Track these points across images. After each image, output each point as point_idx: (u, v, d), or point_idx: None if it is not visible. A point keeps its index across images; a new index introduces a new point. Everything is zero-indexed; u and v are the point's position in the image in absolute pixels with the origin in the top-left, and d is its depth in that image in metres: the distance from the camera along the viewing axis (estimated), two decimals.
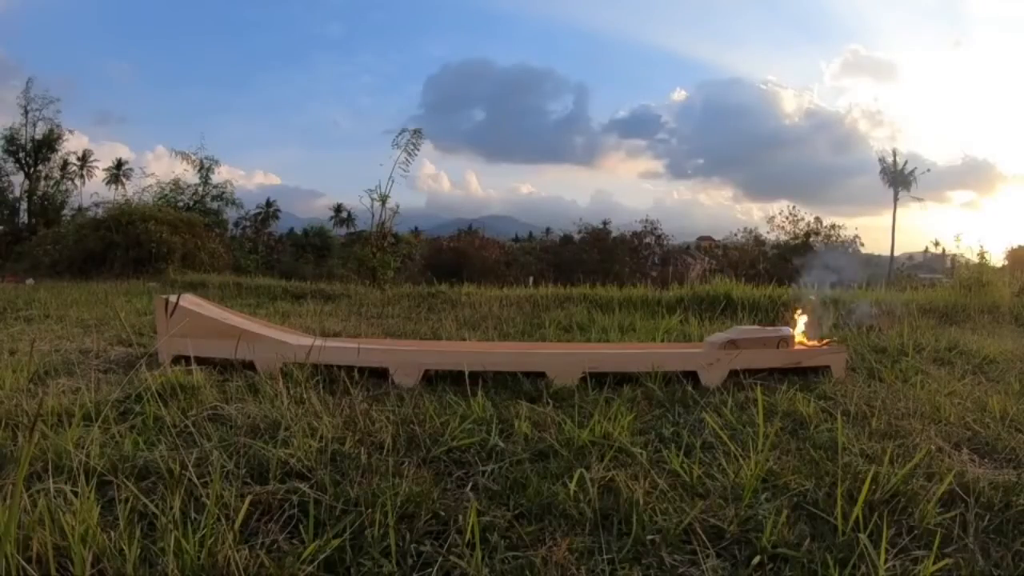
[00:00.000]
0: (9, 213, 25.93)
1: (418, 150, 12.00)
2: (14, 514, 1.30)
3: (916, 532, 1.55)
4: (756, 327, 3.94)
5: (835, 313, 4.00)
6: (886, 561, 1.38)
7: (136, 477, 1.75)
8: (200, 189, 24.16)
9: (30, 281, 11.97)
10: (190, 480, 1.67)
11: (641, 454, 2.02)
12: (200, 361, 3.19)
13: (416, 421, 2.32)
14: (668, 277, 15.30)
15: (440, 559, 1.39)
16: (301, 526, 1.50)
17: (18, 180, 26.08)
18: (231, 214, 25.73)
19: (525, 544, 1.47)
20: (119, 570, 1.29)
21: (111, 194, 29.96)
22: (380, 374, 3.18)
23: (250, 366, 3.17)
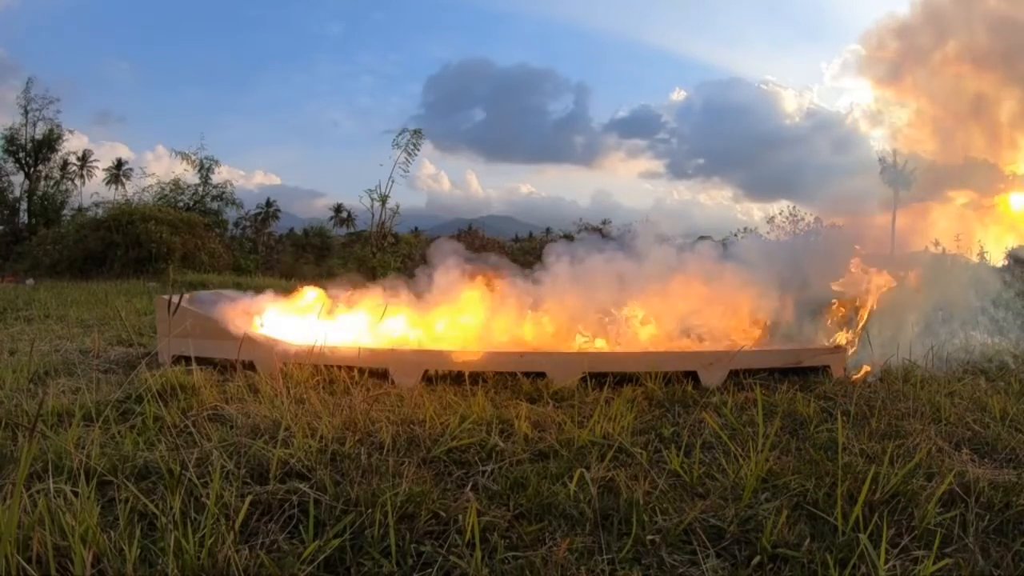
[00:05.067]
0: (9, 213, 25.86)
1: (418, 150, 12.06)
2: (14, 514, 1.30)
3: (916, 532, 1.55)
4: (214, 292, 3.93)
5: None
6: (886, 561, 1.38)
7: (136, 477, 1.75)
8: (200, 189, 24.16)
9: (30, 281, 11.97)
10: (190, 480, 1.67)
11: (641, 454, 2.02)
12: (200, 361, 3.19)
13: (416, 421, 2.32)
14: None
15: (440, 559, 1.39)
16: (301, 526, 1.50)
17: (18, 180, 26.01)
18: (231, 214, 25.73)
19: (525, 544, 1.47)
20: (119, 570, 1.29)
21: (111, 194, 29.88)
22: (380, 374, 3.18)
23: (250, 366, 3.17)
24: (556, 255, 4.11)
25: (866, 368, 3.43)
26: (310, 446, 1.96)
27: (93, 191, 30.02)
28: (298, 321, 3.68)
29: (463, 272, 3.89)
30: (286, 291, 4.07)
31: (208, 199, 24.18)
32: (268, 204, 36.22)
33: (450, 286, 3.83)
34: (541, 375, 3.11)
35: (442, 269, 3.91)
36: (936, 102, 4.27)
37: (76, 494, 1.50)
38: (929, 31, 4.14)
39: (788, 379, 3.23)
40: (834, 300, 3.84)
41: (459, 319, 3.76)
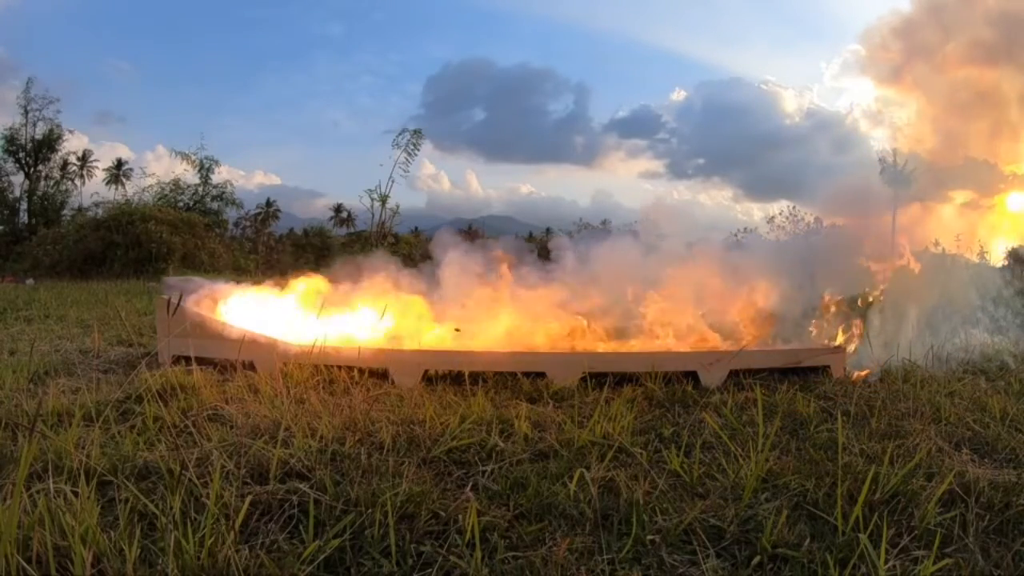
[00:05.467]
0: (9, 213, 25.89)
1: (418, 150, 12.13)
2: (14, 514, 1.30)
3: (916, 532, 1.55)
4: (184, 278, 3.95)
5: None
6: (886, 561, 1.38)
7: (136, 477, 1.75)
8: (200, 189, 24.24)
9: (30, 281, 11.98)
10: (190, 480, 1.67)
11: (641, 454, 2.02)
12: (200, 361, 3.19)
13: (416, 421, 2.32)
14: None
15: (440, 559, 1.39)
16: (301, 526, 1.50)
17: (18, 180, 26.05)
18: (231, 214, 25.82)
19: (525, 544, 1.47)
20: (119, 570, 1.29)
21: (111, 194, 29.91)
22: (380, 374, 3.18)
23: (250, 366, 3.17)
24: (569, 250, 4.11)
25: (867, 370, 3.44)
26: (310, 446, 1.96)
27: (93, 191, 30.04)
28: (267, 310, 3.65)
29: (482, 265, 3.87)
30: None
31: (208, 199, 24.25)
32: (268, 204, 36.30)
33: (468, 283, 3.81)
34: (541, 375, 3.11)
35: (459, 261, 3.88)
36: (937, 100, 4.27)
37: (76, 494, 1.50)
38: (930, 28, 4.14)
39: (788, 379, 3.23)
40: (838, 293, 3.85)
41: (491, 319, 3.74)
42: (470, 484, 1.80)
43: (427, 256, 4.15)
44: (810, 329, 3.85)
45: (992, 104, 4.04)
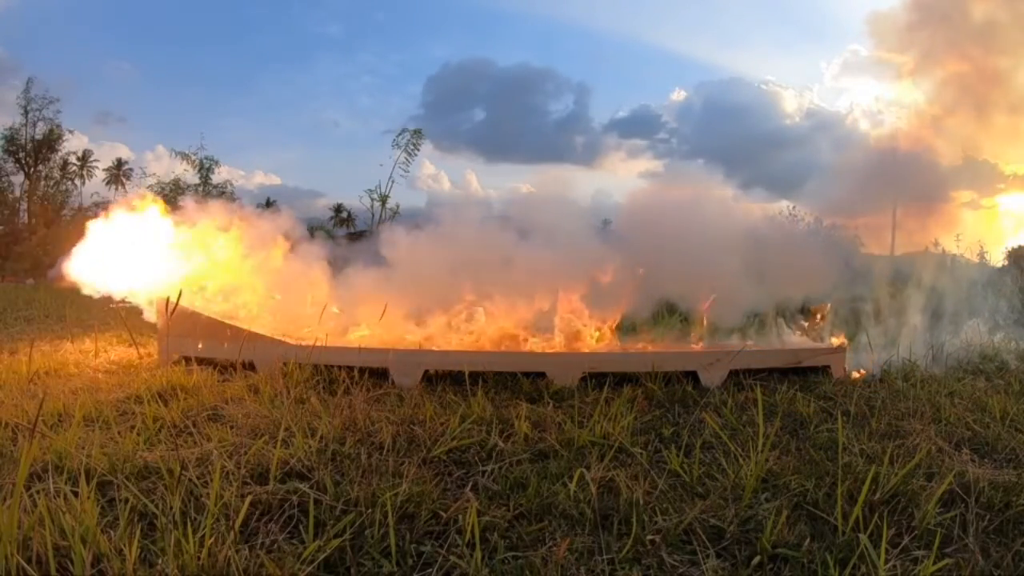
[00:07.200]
0: (9, 213, 25.91)
1: (418, 150, 12.11)
2: (14, 514, 1.30)
3: (916, 532, 1.55)
4: None
5: None
6: (886, 561, 1.38)
7: (136, 477, 1.75)
8: (200, 189, 24.27)
9: (30, 281, 11.98)
10: (190, 480, 1.67)
11: (641, 454, 2.02)
12: (200, 361, 3.19)
13: (416, 421, 2.32)
14: None
15: (440, 559, 1.39)
16: (301, 526, 1.50)
17: (18, 180, 26.09)
18: None
19: (525, 544, 1.47)
20: (119, 570, 1.29)
21: (111, 194, 29.95)
22: (380, 374, 3.18)
23: (250, 366, 3.17)
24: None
25: (861, 372, 3.44)
26: (310, 446, 1.96)
27: (93, 191, 30.05)
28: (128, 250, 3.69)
29: None
30: None
31: (208, 199, 24.29)
32: (268, 204, 36.26)
33: None
34: (541, 375, 3.11)
35: None
36: (937, 98, 4.27)
37: (76, 494, 1.50)
38: (932, 25, 4.14)
39: (788, 379, 3.23)
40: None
41: None
42: (470, 484, 1.80)
43: None
44: (797, 332, 3.86)
45: (993, 103, 4.04)
